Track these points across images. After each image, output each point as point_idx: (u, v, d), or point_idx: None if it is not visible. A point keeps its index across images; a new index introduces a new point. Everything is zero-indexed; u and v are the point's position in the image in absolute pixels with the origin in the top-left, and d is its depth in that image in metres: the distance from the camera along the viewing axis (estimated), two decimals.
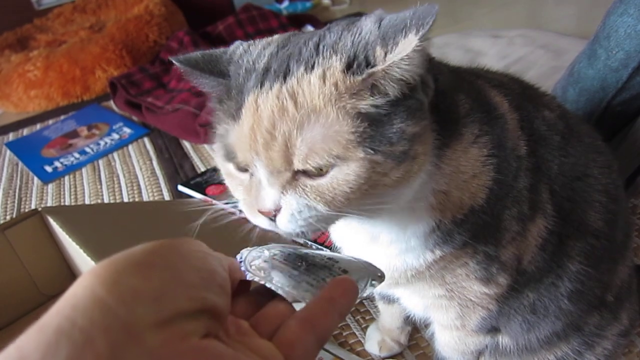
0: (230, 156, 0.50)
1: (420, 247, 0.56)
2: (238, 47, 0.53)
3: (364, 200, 0.47)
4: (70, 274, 1.09)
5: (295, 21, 2.35)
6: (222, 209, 0.57)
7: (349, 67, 0.44)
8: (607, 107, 0.99)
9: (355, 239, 0.61)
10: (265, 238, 0.52)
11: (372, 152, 0.44)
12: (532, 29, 1.96)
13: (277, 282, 0.42)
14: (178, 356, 0.29)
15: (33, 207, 1.48)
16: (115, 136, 1.79)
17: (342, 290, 0.40)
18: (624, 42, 0.90)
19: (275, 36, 0.53)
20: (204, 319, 0.33)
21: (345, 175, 0.45)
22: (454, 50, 1.85)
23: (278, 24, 2.25)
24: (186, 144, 1.68)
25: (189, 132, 1.66)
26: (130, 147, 1.74)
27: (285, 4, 2.77)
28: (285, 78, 0.46)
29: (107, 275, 0.30)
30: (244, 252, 0.45)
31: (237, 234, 0.56)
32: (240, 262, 0.43)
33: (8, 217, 1.47)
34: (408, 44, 0.42)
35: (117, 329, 0.28)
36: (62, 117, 2.01)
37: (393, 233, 0.56)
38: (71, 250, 0.96)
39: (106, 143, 1.76)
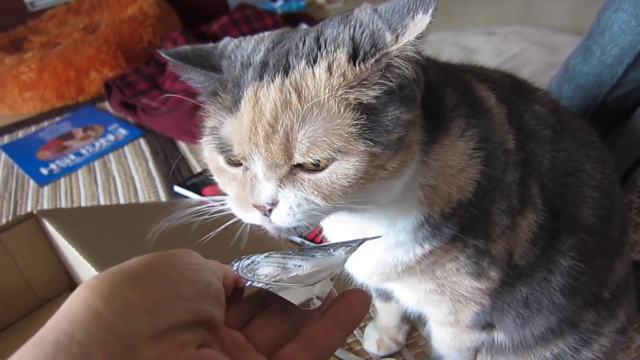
0: (224, 149, 0.49)
1: (409, 241, 0.56)
2: (229, 43, 0.53)
3: (359, 193, 0.47)
4: (67, 276, 1.09)
5: (290, 20, 2.34)
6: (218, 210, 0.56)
7: (355, 56, 0.44)
8: (603, 103, 0.99)
9: (345, 234, 0.61)
10: (254, 237, 0.52)
11: (372, 143, 0.44)
12: (527, 25, 1.96)
13: (264, 277, 0.41)
14: None
15: (29, 209, 1.47)
16: (111, 137, 1.79)
17: (347, 305, 0.39)
18: (618, 38, 0.90)
19: (267, 33, 0.53)
20: (199, 330, 0.33)
21: (345, 169, 0.45)
22: (449, 48, 1.85)
23: (273, 23, 2.24)
24: (182, 145, 1.68)
25: (184, 133, 1.66)
26: (125, 148, 1.73)
27: (280, 2, 2.77)
28: (286, 72, 0.46)
29: (103, 289, 0.31)
30: (236, 262, 0.45)
31: (232, 233, 0.56)
32: (235, 269, 0.43)
33: (4, 221, 1.46)
34: (420, 22, 0.43)
35: (114, 343, 0.29)
36: (57, 118, 2.00)
37: (382, 228, 0.56)
38: (67, 252, 0.96)
39: (102, 144, 1.76)
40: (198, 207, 0.54)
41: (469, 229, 0.55)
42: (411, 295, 0.68)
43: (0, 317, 1.02)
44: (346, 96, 0.44)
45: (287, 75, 0.46)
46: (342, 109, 0.44)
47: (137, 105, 1.82)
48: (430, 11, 0.42)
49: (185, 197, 1.34)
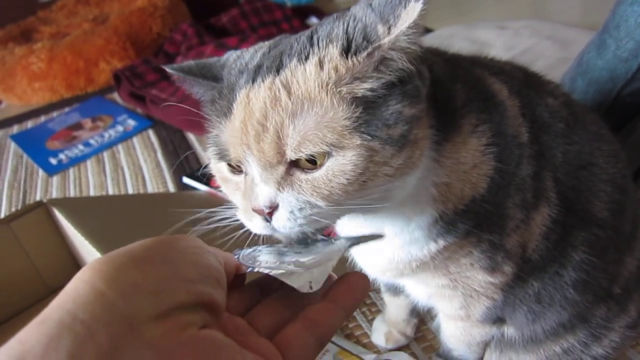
0: (223, 154, 0.49)
1: (424, 238, 0.55)
2: (231, 55, 0.54)
3: (366, 193, 0.46)
4: (75, 265, 1.09)
5: (300, 13, 2.33)
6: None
7: (348, 50, 0.44)
8: (617, 97, 0.98)
9: (359, 233, 0.61)
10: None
11: (369, 137, 0.43)
12: (538, 20, 1.94)
13: (265, 263, 0.42)
14: (178, 346, 0.31)
15: (38, 199, 1.48)
16: (120, 128, 1.79)
17: (347, 287, 0.40)
18: (634, 31, 0.89)
19: (267, 42, 0.53)
20: (201, 312, 0.34)
21: (341, 165, 0.44)
22: (460, 42, 1.83)
23: (282, 16, 2.23)
24: (191, 136, 1.68)
25: (193, 124, 1.65)
26: (134, 139, 1.73)
27: None
28: (278, 71, 0.46)
29: (107, 270, 0.31)
30: (237, 251, 0.45)
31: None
32: (235, 257, 0.44)
33: (13, 210, 1.47)
34: (412, 10, 0.42)
35: (117, 322, 0.29)
36: (66, 109, 2.01)
37: (397, 225, 0.56)
38: (76, 241, 0.96)
39: (110, 135, 1.76)
40: (219, 217, 0.53)
41: (483, 224, 0.55)
42: (423, 290, 0.68)
43: (9, 305, 1.03)
44: (338, 90, 0.44)
45: (278, 74, 0.45)
46: (335, 103, 0.43)
47: (146, 97, 1.82)
48: None
49: (194, 188, 1.34)
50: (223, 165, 0.52)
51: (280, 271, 0.40)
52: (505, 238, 0.56)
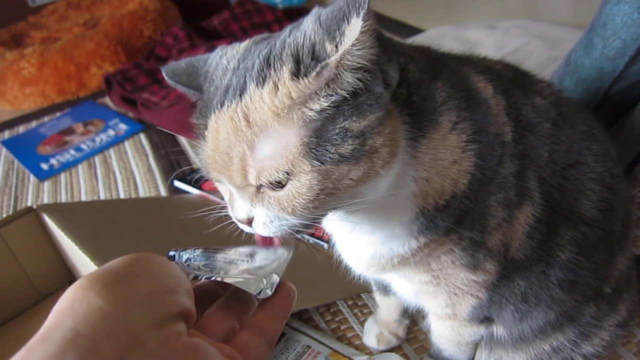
0: (205, 171, 0.52)
1: (404, 234, 0.56)
2: (215, 57, 0.54)
3: (332, 203, 0.48)
4: (66, 271, 1.09)
5: (291, 14, 2.33)
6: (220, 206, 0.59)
7: (298, 71, 0.44)
8: (605, 96, 0.98)
9: (341, 228, 0.61)
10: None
11: (318, 163, 0.44)
12: (528, 19, 1.95)
13: (215, 270, 0.45)
14: (176, 353, 0.32)
15: (29, 204, 1.47)
16: (111, 132, 1.78)
17: (281, 296, 0.45)
18: (620, 30, 0.90)
19: (244, 43, 0.53)
20: (182, 321, 0.35)
21: (298, 187, 0.46)
22: (450, 42, 1.84)
23: (273, 18, 2.23)
24: (182, 140, 1.68)
25: (184, 128, 1.64)
26: (126, 143, 1.73)
27: None
28: (241, 95, 0.46)
29: (99, 287, 0.32)
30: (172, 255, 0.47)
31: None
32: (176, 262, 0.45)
33: (4, 215, 1.46)
34: (354, 28, 0.41)
35: (119, 333, 0.30)
36: (58, 114, 2.00)
37: (379, 222, 0.56)
38: (67, 247, 0.96)
39: (102, 139, 1.75)
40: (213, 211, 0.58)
41: (464, 221, 0.55)
42: (408, 286, 0.68)
43: (0, 311, 1.02)
44: (290, 116, 0.44)
45: (241, 99, 0.46)
46: (287, 130, 0.44)
47: (137, 100, 1.81)
48: (362, 13, 0.41)
49: (186, 192, 1.34)
50: None
51: (238, 279, 0.44)
52: (486, 236, 0.56)
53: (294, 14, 2.34)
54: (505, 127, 0.55)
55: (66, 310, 0.31)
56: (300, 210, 0.47)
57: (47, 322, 0.31)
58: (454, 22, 2.01)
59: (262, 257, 0.47)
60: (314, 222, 0.50)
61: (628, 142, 0.94)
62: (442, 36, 1.89)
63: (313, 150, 0.44)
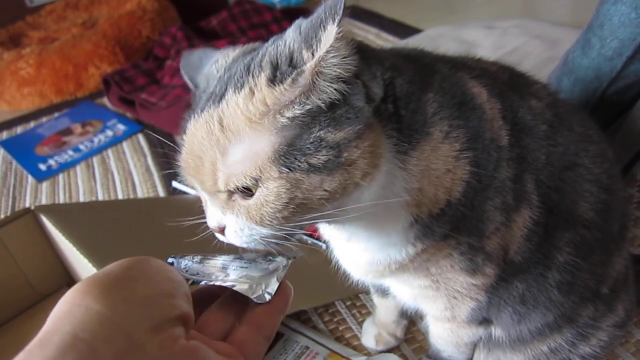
0: (182, 176, 0.52)
1: (401, 241, 0.55)
2: (212, 63, 0.55)
3: (307, 215, 0.47)
4: (65, 272, 1.09)
5: (289, 14, 2.33)
6: None
7: (274, 78, 0.44)
8: (602, 96, 0.98)
9: (338, 235, 0.61)
10: None
11: (287, 170, 0.44)
12: (527, 19, 1.95)
13: (216, 276, 0.46)
14: (174, 357, 0.32)
15: (28, 205, 1.47)
16: (109, 133, 1.78)
17: (278, 292, 0.44)
18: (617, 30, 0.90)
19: (235, 52, 0.54)
20: (180, 324, 0.35)
21: (265, 195, 0.45)
22: (448, 42, 1.84)
23: (272, 18, 2.23)
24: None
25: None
26: (124, 143, 1.73)
27: None
28: (219, 102, 0.46)
29: (97, 291, 0.32)
30: (173, 260, 0.48)
31: None
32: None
33: (2, 216, 1.46)
34: (329, 35, 0.41)
35: (117, 337, 0.30)
36: (56, 114, 1.99)
37: (374, 230, 0.56)
38: (65, 248, 0.96)
39: (100, 140, 1.75)
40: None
41: (461, 226, 0.55)
42: (407, 291, 0.68)
43: None
44: (262, 121, 0.44)
45: (219, 105, 0.46)
46: (258, 136, 0.44)
47: (135, 101, 1.81)
48: (337, 19, 0.41)
49: (184, 192, 1.34)
50: None
51: (237, 284, 0.44)
52: (484, 240, 0.56)
53: (292, 14, 2.32)
54: (501, 131, 0.55)
55: (64, 314, 0.31)
56: (268, 220, 0.46)
57: (45, 326, 0.31)
58: (453, 22, 2.01)
59: (261, 263, 0.47)
60: (289, 235, 0.49)
61: (626, 142, 0.94)
62: (440, 36, 1.89)
63: (282, 157, 0.44)
